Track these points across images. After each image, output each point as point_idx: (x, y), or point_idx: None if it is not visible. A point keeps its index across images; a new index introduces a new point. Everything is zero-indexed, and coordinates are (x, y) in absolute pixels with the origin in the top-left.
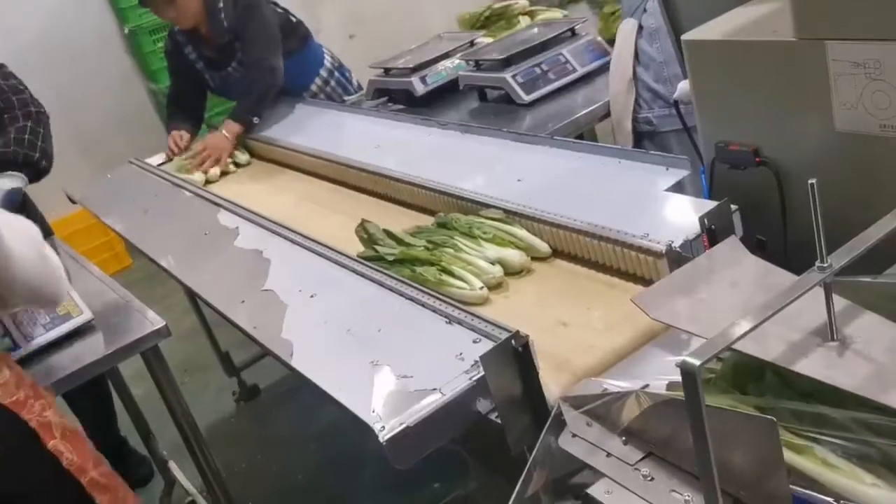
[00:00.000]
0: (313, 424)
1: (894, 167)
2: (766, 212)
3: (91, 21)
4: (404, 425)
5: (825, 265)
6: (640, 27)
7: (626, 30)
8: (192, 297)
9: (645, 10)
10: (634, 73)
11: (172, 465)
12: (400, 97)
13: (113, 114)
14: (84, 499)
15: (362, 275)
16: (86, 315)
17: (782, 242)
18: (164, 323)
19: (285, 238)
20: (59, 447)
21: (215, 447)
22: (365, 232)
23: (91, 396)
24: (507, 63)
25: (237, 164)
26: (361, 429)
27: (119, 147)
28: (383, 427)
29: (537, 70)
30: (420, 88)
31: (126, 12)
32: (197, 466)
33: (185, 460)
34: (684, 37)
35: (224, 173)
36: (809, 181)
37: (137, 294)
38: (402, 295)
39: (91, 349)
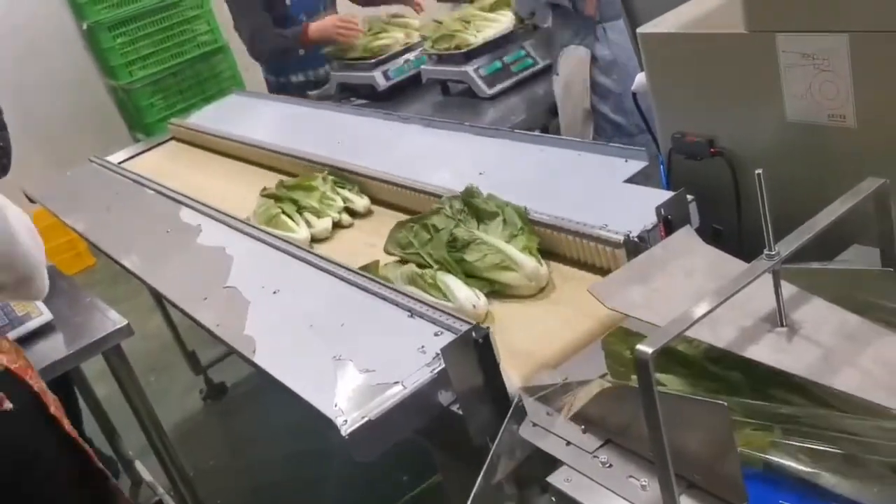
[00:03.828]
0: (281, 420)
1: (842, 156)
2: (721, 201)
3: (47, 17)
4: (366, 418)
5: (773, 253)
6: (594, 57)
7: (576, 59)
8: (157, 295)
9: (597, 40)
10: (591, 103)
11: (138, 465)
12: (362, 91)
13: (72, 111)
14: (90, 469)
15: (325, 270)
16: (45, 316)
17: (738, 231)
18: (126, 322)
19: (248, 235)
20: (57, 415)
21: (182, 446)
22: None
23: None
24: (469, 57)
25: (352, 213)
26: (328, 423)
27: (79, 145)
28: (345, 421)
29: (499, 63)
30: (382, 83)
31: (84, 8)
32: (162, 466)
33: (153, 459)
34: (639, 30)
35: (337, 225)
36: (756, 171)
37: (101, 294)
38: (364, 289)
39: (52, 350)
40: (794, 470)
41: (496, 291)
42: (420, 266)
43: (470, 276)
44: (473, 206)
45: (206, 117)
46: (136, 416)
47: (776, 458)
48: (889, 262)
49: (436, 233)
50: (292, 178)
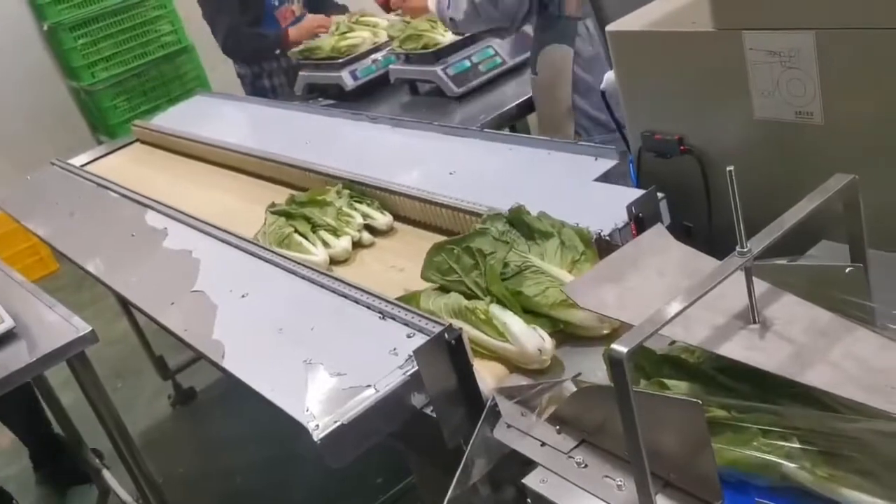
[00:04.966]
0: (252, 425)
1: (810, 153)
2: (692, 199)
3: (7, 17)
4: (338, 423)
5: (745, 250)
6: (576, 54)
7: (558, 57)
8: (123, 300)
9: (579, 35)
10: (573, 101)
11: (106, 474)
12: (330, 92)
13: (33, 113)
14: None
15: (294, 272)
16: (7, 323)
17: (708, 228)
18: (91, 328)
19: (215, 238)
20: None
21: (151, 452)
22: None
23: (17, 405)
24: (437, 56)
25: (372, 231)
26: (300, 427)
27: (40, 148)
28: (317, 426)
29: (467, 63)
30: (350, 83)
31: (45, 8)
32: (130, 474)
33: (121, 467)
34: (608, 28)
35: (357, 245)
36: (728, 168)
37: (65, 299)
38: (334, 292)
39: (14, 358)
40: (809, 484)
41: (559, 330)
42: (466, 296)
43: (528, 311)
44: (523, 224)
45: (171, 119)
46: (102, 424)
47: (791, 470)
48: (858, 257)
49: (482, 258)
50: (303, 194)
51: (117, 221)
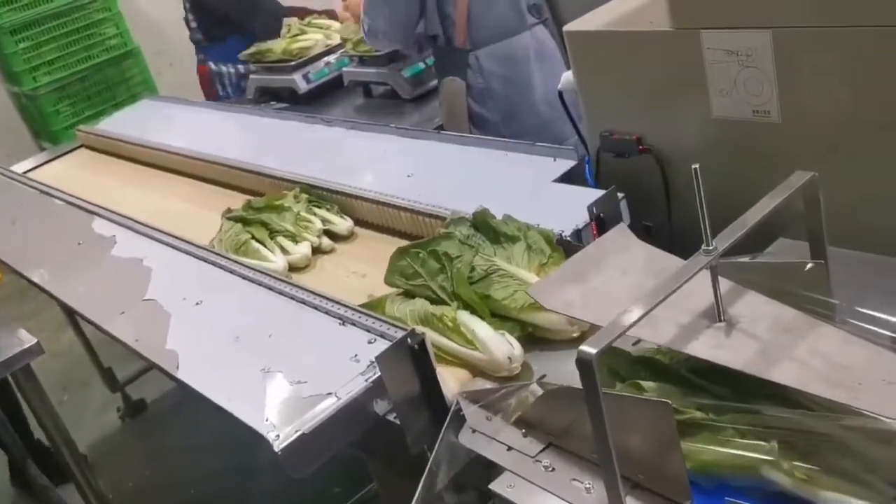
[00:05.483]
0: (204, 435)
1: (767, 150)
2: (651, 198)
3: None
4: (299, 433)
5: (711, 248)
6: (469, 87)
7: (453, 89)
8: (69, 310)
9: (470, 68)
10: (471, 133)
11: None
12: (282, 95)
13: None
14: None
15: (251, 279)
16: None
17: (668, 228)
18: (36, 340)
19: (166, 244)
20: None
21: (101, 467)
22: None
23: None
24: (391, 59)
25: (332, 236)
26: (256, 436)
27: None
28: (277, 436)
29: (422, 65)
30: (303, 86)
31: None
32: (78, 489)
33: (69, 483)
34: (566, 28)
35: (317, 251)
36: (693, 166)
37: (8, 310)
38: (293, 298)
39: None
40: (787, 486)
41: (528, 334)
42: (431, 301)
43: (496, 315)
44: (489, 227)
45: (117, 123)
46: (48, 438)
47: (769, 471)
48: (818, 254)
49: (448, 262)
50: (260, 199)
51: (62, 229)
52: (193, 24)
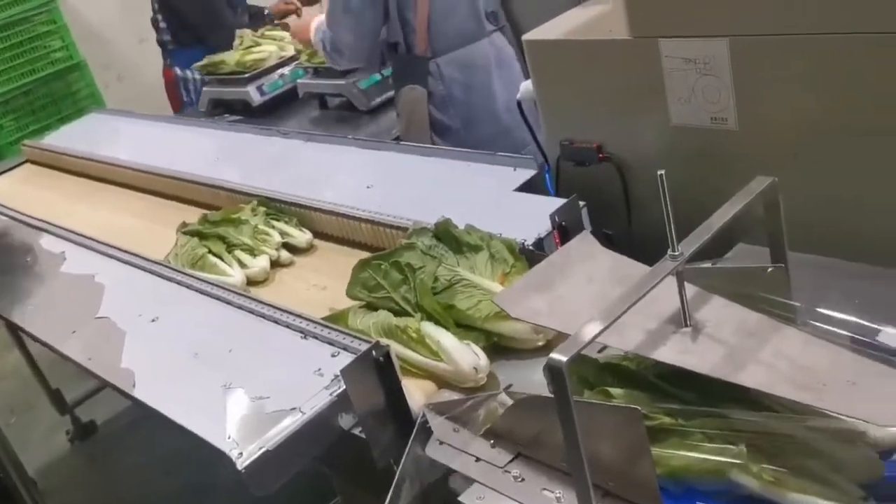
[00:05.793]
0: (159, 454)
1: (725, 157)
2: (611, 207)
3: None
4: (263, 449)
5: (676, 254)
6: (430, 94)
7: (414, 98)
8: (14, 330)
9: (430, 75)
10: (432, 141)
11: None
12: (236, 108)
13: None
14: None
15: (209, 294)
16: None
17: (628, 235)
18: None
19: (120, 260)
20: None
21: (51, 491)
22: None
23: None
24: (347, 70)
25: (291, 249)
26: (215, 453)
27: None
28: (240, 453)
29: (378, 76)
30: (257, 98)
31: None
32: None
33: None
34: (525, 37)
35: (276, 264)
36: (659, 172)
37: None
38: (252, 312)
39: None
40: (755, 489)
41: (493, 343)
42: (395, 313)
43: (460, 325)
44: (451, 237)
45: (64, 137)
46: None
47: (738, 474)
48: (779, 258)
49: (411, 272)
50: (216, 212)
51: (8, 246)
52: (163, 25)
